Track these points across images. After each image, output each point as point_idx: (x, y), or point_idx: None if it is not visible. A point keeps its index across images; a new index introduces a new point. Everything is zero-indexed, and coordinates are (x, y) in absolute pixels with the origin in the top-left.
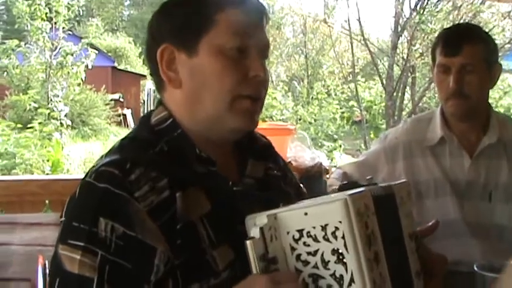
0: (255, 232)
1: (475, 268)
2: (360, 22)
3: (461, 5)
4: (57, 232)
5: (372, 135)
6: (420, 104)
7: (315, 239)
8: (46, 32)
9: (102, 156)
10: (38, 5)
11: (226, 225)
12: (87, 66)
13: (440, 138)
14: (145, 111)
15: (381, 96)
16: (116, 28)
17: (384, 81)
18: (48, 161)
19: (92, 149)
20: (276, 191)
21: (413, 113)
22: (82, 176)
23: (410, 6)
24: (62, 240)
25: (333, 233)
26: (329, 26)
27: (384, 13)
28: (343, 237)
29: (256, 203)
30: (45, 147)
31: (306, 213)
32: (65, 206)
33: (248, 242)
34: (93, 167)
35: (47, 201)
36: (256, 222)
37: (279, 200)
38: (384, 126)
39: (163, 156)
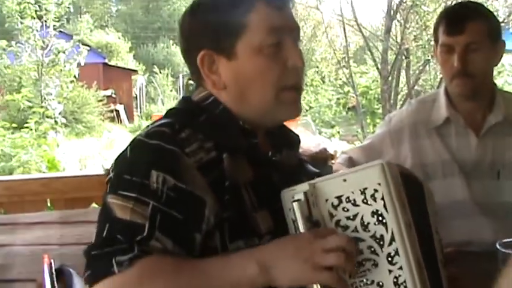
0: (299, 195)
1: (498, 246)
2: (352, 7)
3: None
4: (60, 230)
5: (368, 120)
6: (416, 87)
7: (354, 204)
8: (37, 30)
9: (148, 125)
10: (28, 3)
11: (266, 195)
12: (79, 63)
13: (445, 118)
14: (138, 106)
15: (376, 80)
16: (105, 24)
17: (379, 66)
18: (44, 160)
19: (87, 146)
20: (308, 172)
21: (409, 96)
22: (83, 173)
23: None
24: (112, 191)
25: (372, 196)
26: (320, 12)
27: None
28: (382, 199)
29: (292, 177)
30: (41, 146)
31: (344, 180)
32: (113, 163)
33: (295, 204)
34: (141, 133)
35: (48, 200)
36: (297, 190)
37: (312, 175)
38: (380, 110)
39: (208, 125)
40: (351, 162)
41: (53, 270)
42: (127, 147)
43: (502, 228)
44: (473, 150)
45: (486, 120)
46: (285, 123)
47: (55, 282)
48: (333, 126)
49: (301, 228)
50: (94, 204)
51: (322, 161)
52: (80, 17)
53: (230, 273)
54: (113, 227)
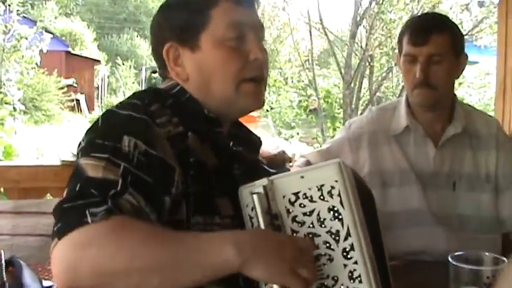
0: (259, 189)
1: (450, 259)
2: (319, 10)
3: None
4: (13, 220)
5: (328, 124)
6: (378, 94)
7: (311, 200)
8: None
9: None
10: None
11: (227, 184)
12: (41, 50)
13: (405, 127)
14: (99, 97)
15: (338, 85)
16: (70, 12)
17: (342, 70)
18: (0, 147)
19: (45, 135)
20: (266, 173)
21: (371, 103)
22: (38, 162)
23: None
24: (84, 154)
25: (329, 192)
26: (287, 13)
27: (343, 2)
28: (339, 195)
29: (251, 174)
30: None
31: (302, 177)
32: (84, 133)
33: (255, 196)
34: (111, 107)
35: (1, 189)
36: (256, 184)
37: (270, 173)
38: (340, 115)
39: (175, 108)
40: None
41: (3, 261)
42: (98, 118)
43: (455, 239)
44: (431, 160)
45: (445, 131)
46: (246, 124)
47: (4, 273)
48: (293, 128)
49: (261, 221)
50: (49, 195)
51: (280, 163)
52: (45, 4)
53: (206, 251)
54: (85, 184)
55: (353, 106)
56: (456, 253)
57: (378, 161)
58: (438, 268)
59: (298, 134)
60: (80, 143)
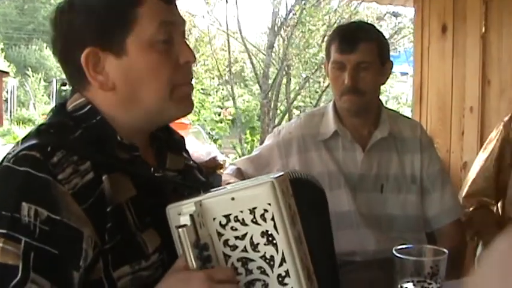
0: (185, 219)
1: (394, 253)
2: (238, 20)
3: (337, 8)
4: None
5: (247, 134)
6: (295, 102)
7: (243, 223)
8: None
9: (18, 143)
10: None
11: (150, 210)
12: None
13: (333, 132)
14: (9, 110)
15: (257, 95)
16: None
17: (260, 80)
18: None
19: None
20: (195, 180)
21: (288, 112)
22: None
23: (287, 6)
24: None
25: (262, 216)
26: (208, 25)
27: (261, 13)
28: (272, 219)
29: (178, 190)
30: None
31: (233, 198)
32: None
33: (181, 230)
34: (9, 153)
35: None
36: (184, 210)
37: (198, 187)
38: (259, 124)
39: (84, 142)
40: (239, 173)
41: None
42: None
43: (384, 239)
44: (359, 164)
45: (372, 136)
46: (175, 128)
47: None
48: (215, 140)
49: (188, 257)
50: None
51: (211, 170)
52: None
53: None
54: None
55: (271, 115)
56: (399, 247)
57: (307, 166)
58: (369, 267)
59: (221, 146)
60: None
